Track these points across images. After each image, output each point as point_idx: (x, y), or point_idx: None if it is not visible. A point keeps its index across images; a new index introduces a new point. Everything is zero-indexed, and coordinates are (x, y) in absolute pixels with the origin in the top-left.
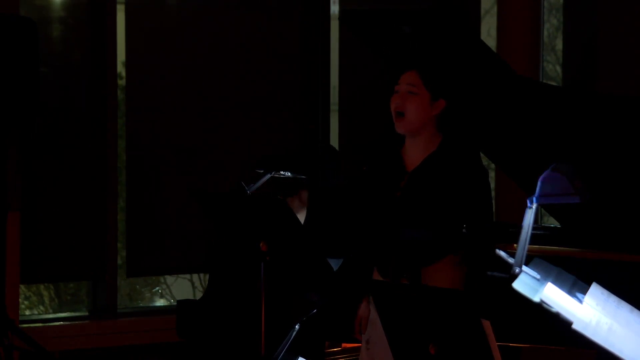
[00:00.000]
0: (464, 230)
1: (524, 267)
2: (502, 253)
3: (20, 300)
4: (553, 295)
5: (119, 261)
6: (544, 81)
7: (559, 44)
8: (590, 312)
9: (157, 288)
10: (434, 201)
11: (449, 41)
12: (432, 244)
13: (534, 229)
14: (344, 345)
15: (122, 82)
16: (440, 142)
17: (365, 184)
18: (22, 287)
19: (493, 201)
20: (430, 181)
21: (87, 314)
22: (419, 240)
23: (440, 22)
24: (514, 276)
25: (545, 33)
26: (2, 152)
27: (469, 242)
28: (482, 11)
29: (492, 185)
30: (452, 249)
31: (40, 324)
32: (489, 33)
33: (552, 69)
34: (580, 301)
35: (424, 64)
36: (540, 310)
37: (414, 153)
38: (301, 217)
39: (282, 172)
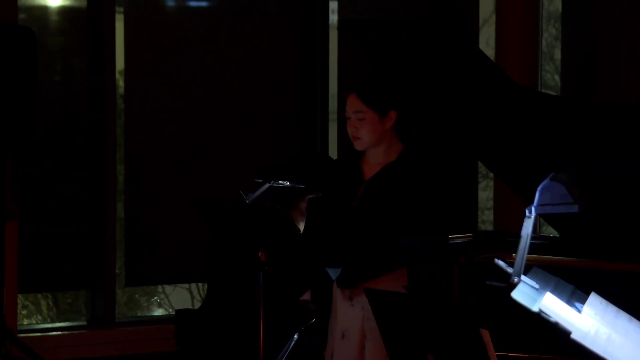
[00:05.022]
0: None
1: (523, 277)
2: (500, 262)
3: (18, 309)
4: (552, 305)
5: (117, 270)
6: (543, 90)
7: (558, 54)
8: (589, 321)
9: (156, 297)
10: (389, 211)
11: (448, 49)
12: (382, 255)
13: (532, 238)
14: None
15: (120, 91)
16: (400, 151)
17: (326, 195)
18: (19, 296)
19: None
20: (386, 191)
21: (85, 323)
22: (369, 251)
23: (441, 31)
24: (513, 285)
25: (544, 42)
26: (0, 162)
27: (414, 255)
28: (481, 21)
29: (490, 194)
30: (403, 262)
31: (38, 334)
32: (487, 42)
33: (551, 78)
34: (579, 311)
35: (360, 85)
36: (539, 320)
37: (373, 163)
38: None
39: (280, 182)
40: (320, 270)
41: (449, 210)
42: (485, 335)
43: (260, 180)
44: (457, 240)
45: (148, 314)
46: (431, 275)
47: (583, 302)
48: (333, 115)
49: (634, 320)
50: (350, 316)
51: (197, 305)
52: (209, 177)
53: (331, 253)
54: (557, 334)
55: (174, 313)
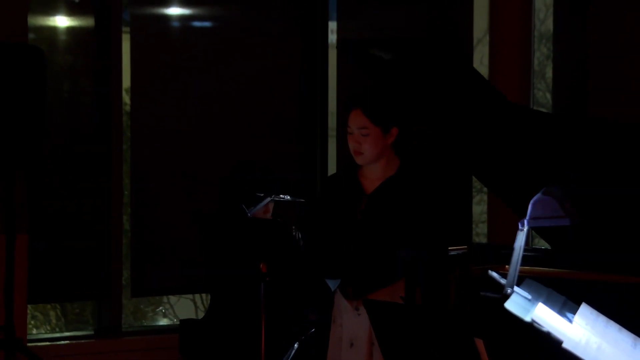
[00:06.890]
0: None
1: (516, 288)
2: (494, 274)
3: (27, 319)
4: (544, 315)
5: (124, 281)
6: (535, 108)
7: (549, 72)
8: (580, 331)
9: (161, 308)
10: (395, 223)
11: (444, 67)
12: (387, 266)
13: (525, 250)
14: None
15: (127, 108)
16: (399, 166)
17: (324, 209)
18: (29, 306)
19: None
20: (389, 204)
21: (92, 332)
22: (377, 261)
23: (439, 49)
24: (506, 296)
25: (536, 61)
26: (10, 177)
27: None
28: (475, 40)
29: (484, 208)
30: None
31: (47, 343)
32: (481, 61)
33: (543, 95)
34: (570, 321)
35: (365, 101)
36: (532, 330)
37: (373, 177)
38: None
39: (281, 196)
40: (320, 281)
41: (449, 220)
42: (480, 344)
43: (262, 194)
44: (453, 253)
45: (153, 324)
46: (428, 286)
47: (574, 312)
48: (332, 132)
49: (624, 330)
50: (357, 325)
51: (201, 315)
52: (212, 191)
53: (338, 265)
54: (549, 343)
55: (178, 323)
